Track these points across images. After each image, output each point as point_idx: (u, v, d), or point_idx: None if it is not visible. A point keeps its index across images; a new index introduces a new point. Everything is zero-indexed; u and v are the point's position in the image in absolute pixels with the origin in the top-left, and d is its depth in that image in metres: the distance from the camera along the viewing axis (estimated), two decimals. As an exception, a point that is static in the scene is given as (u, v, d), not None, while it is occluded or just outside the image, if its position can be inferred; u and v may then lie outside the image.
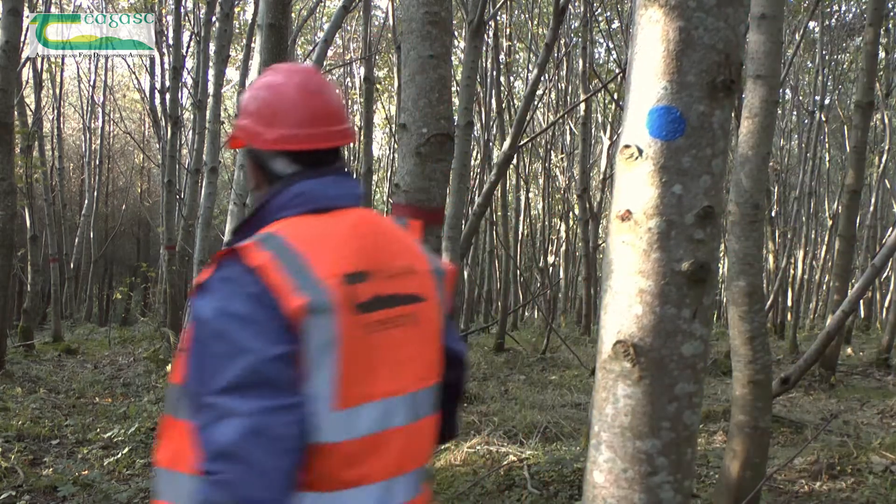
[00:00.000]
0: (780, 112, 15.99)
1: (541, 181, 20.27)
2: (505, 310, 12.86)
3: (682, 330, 1.32)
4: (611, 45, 15.72)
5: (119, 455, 4.69)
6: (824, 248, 19.23)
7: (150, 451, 4.74)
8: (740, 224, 3.53)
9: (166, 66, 15.48)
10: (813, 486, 4.40)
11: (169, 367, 7.13)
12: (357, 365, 1.18)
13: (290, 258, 1.16)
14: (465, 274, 14.19)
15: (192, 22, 15.59)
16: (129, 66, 20.33)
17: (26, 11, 8.40)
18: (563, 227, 19.95)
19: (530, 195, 22.33)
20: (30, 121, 13.45)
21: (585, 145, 14.28)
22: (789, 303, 16.55)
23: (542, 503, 4.05)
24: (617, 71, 11.84)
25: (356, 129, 22.31)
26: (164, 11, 15.66)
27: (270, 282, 1.13)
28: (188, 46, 15.38)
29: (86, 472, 4.41)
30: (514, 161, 14.58)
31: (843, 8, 16.82)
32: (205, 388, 1.11)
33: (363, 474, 1.20)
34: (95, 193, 20.38)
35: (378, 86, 16.76)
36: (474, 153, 16.55)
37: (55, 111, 18.97)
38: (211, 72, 11.25)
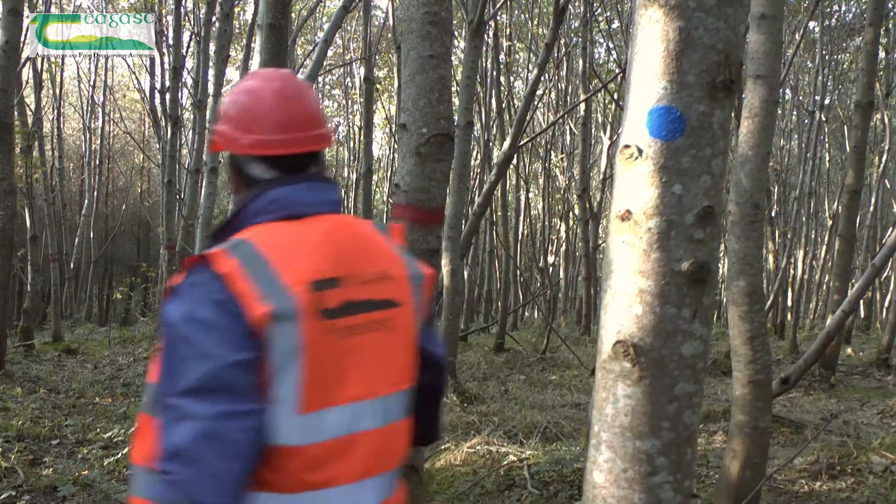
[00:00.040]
0: (780, 112, 15.99)
1: (541, 181, 20.27)
2: (505, 310, 12.87)
3: (682, 330, 1.32)
4: (611, 45, 15.73)
5: (119, 455, 4.69)
6: (824, 248, 19.23)
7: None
8: (740, 224, 3.53)
9: (166, 66, 15.49)
10: (813, 486, 4.40)
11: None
12: (324, 370, 1.20)
13: (258, 265, 1.18)
14: (466, 274, 14.17)
15: (192, 22, 15.59)
16: (129, 66, 20.36)
17: (26, 11, 8.40)
18: (563, 227, 19.95)
19: (530, 195, 22.33)
20: (30, 121, 13.44)
21: (585, 145, 14.27)
22: (789, 303, 16.55)
23: (542, 503, 4.05)
24: (617, 71, 11.84)
25: (356, 129, 22.41)
26: (164, 11, 15.67)
27: (236, 290, 1.15)
28: (188, 46, 15.38)
29: (86, 472, 4.41)
30: (514, 161, 14.58)
31: (843, 8, 16.83)
32: (169, 389, 1.14)
33: (330, 477, 1.22)
34: (95, 193, 20.38)
35: (378, 86, 16.77)
36: (474, 153, 16.55)
37: (55, 111, 18.96)
38: (211, 72, 11.25)
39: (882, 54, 12.40)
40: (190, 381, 1.12)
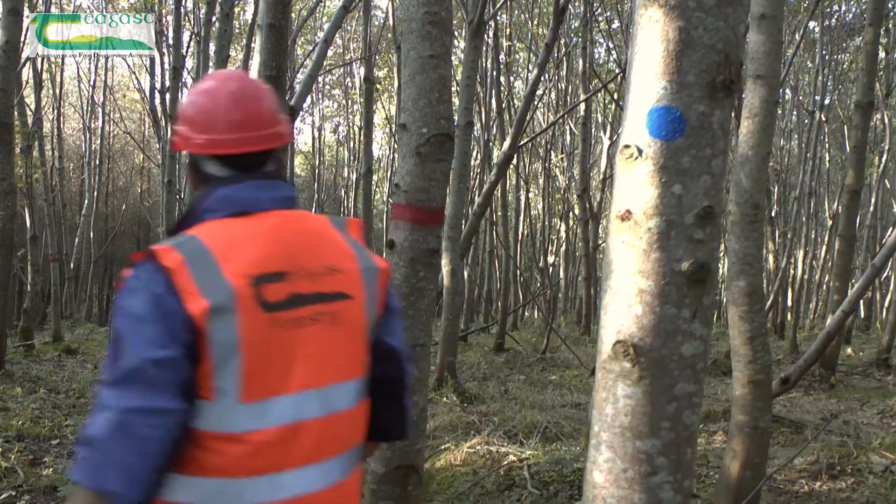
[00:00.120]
0: (780, 112, 15.98)
1: (541, 181, 20.26)
2: (505, 310, 12.86)
3: (682, 330, 1.32)
4: (611, 45, 15.71)
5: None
6: (824, 248, 19.23)
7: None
8: (740, 224, 3.53)
9: (166, 66, 15.48)
10: (813, 486, 4.40)
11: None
12: (266, 360, 1.24)
13: (202, 260, 1.22)
14: (466, 274, 14.17)
15: (192, 22, 15.57)
16: (129, 66, 20.34)
17: (26, 11, 8.39)
18: (563, 227, 19.94)
19: (530, 195, 22.33)
20: (30, 121, 13.43)
21: (585, 145, 14.27)
22: (789, 303, 16.54)
23: (542, 503, 4.05)
24: (617, 71, 11.84)
25: (356, 129, 22.40)
26: (164, 11, 15.66)
27: (177, 284, 1.19)
28: (188, 46, 15.36)
29: (86, 472, 4.40)
30: (514, 161, 14.58)
31: (843, 8, 16.81)
32: (103, 378, 1.20)
33: (275, 462, 1.26)
34: (95, 193, 20.38)
35: (378, 86, 16.77)
36: (474, 153, 16.55)
37: (55, 111, 18.95)
38: (211, 72, 11.22)
39: (882, 54, 12.39)
40: (115, 374, 1.18)
